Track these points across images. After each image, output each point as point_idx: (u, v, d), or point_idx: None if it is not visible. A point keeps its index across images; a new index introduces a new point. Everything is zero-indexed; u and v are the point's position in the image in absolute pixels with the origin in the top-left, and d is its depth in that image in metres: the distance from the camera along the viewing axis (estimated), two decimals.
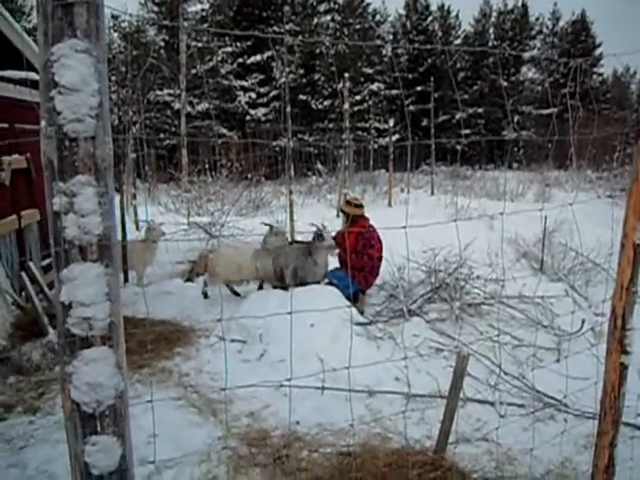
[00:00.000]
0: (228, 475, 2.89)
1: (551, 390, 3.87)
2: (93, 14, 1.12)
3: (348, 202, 6.19)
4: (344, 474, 2.61)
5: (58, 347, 1.22)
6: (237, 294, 6.19)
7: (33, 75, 6.03)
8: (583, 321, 5.09)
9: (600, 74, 42.60)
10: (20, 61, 6.23)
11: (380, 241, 5.84)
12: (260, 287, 6.14)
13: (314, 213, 11.44)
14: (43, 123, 1.12)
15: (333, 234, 6.00)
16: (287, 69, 26.74)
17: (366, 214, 6.11)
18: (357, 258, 5.77)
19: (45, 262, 6.65)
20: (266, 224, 6.20)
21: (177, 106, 22.41)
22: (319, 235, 5.74)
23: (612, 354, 2.20)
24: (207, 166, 14.12)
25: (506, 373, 4.21)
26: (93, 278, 1.17)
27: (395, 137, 19.70)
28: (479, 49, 37.29)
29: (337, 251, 6.00)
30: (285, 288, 5.79)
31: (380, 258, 5.87)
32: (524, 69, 40.41)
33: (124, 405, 1.29)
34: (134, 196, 12.18)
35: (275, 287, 5.97)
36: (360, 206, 6.07)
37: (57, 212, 1.14)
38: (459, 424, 3.42)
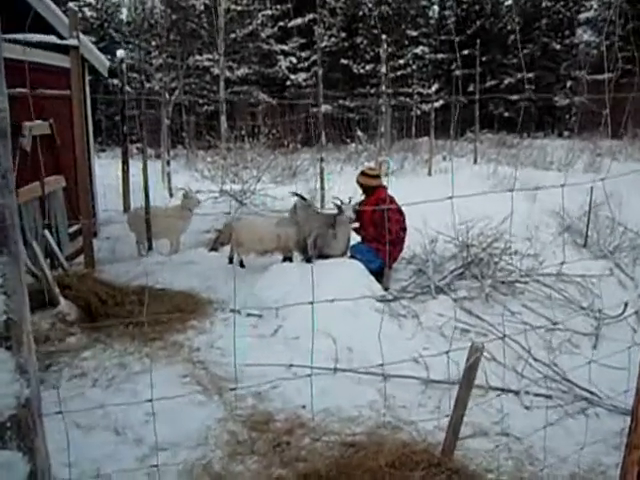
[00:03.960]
0: (222, 462, 2.73)
1: (584, 381, 3.52)
2: None
3: (363, 173, 5.88)
4: (343, 470, 2.40)
5: None
6: (243, 266, 6.16)
7: (53, 38, 5.89)
8: (626, 304, 4.69)
9: None
10: (41, 24, 6.10)
11: (401, 212, 5.53)
12: (284, 260, 5.95)
13: (351, 181, 11.08)
14: None
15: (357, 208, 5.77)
16: (328, 32, 26.02)
17: (385, 183, 5.86)
18: (376, 231, 5.50)
19: (72, 229, 6.63)
20: (296, 194, 5.97)
21: (216, 71, 22.18)
22: (339, 209, 5.50)
23: None
24: (243, 132, 13.89)
25: (535, 359, 3.90)
26: None
27: (439, 103, 18.92)
28: None
29: (356, 225, 5.73)
30: (309, 260, 5.62)
31: (404, 229, 5.58)
32: (579, 31, 38.14)
33: (32, 415, 1.09)
34: (168, 163, 12.07)
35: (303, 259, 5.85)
36: (376, 177, 5.77)
37: None
38: (477, 415, 3.17)
